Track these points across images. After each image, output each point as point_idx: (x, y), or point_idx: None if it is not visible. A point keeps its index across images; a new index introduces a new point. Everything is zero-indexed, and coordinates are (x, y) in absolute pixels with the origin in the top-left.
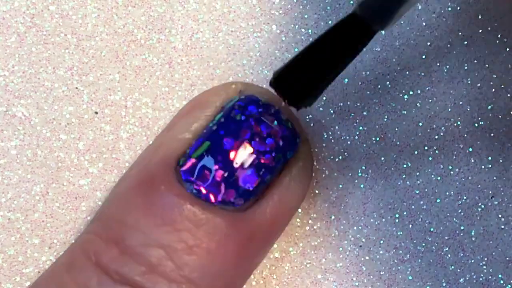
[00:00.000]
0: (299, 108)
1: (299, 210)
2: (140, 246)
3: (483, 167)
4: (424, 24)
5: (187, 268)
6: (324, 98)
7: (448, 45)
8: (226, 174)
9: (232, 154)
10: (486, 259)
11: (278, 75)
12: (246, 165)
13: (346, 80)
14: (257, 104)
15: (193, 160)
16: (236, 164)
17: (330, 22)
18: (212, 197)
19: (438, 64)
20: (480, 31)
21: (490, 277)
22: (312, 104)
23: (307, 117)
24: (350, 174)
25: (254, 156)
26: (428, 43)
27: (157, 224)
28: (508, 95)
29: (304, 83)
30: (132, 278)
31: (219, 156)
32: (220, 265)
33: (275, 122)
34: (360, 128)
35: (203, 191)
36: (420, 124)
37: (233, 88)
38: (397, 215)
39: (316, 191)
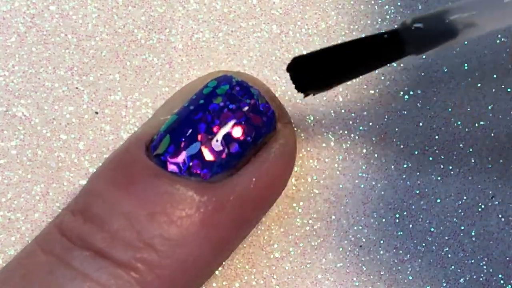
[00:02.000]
0: (307, 93)
1: (299, 210)
2: (103, 214)
3: (483, 167)
4: None
5: (147, 233)
6: (324, 98)
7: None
8: (192, 146)
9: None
10: (486, 259)
11: (299, 58)
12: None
13: None
14: (230, 81)
15: (161, 134)
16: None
17: (330, 22)
18: (177, 168)
19: (438, 64)
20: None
21: (490, 277)
22: (315, 93)
23: (307, 117)
24: (350, 174)
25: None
26: None
27: (121, 193)
28: (508, 95)
29: (320, 71)
30: (92, 243)
31: (187, 129)
32: (183, 232)
33: (246, 98)
34: (360, 128)
35: (169, 162)
36: (420, 124)
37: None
38: (397, 215)
39: (316, 191)
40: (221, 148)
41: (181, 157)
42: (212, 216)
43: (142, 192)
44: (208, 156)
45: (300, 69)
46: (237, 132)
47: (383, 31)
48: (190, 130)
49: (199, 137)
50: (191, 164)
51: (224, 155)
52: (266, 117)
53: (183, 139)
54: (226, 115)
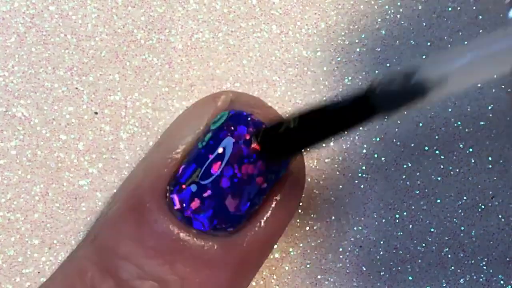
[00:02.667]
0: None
1: (299, 210)
2: (134, 279)
3: (483, 167)
4: (424, 24)
5: None
6: (324, 99)
7: (448, 45)
8: (216, 201)
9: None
10: (486, 259)
11: (267, 131)
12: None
13: (346, 80)
14: (247, 122)
15: (183, 187)
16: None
17: (330, 22)
18: (203, 225)
19: None
20: (480, 31)
21: (490, 277)
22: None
23: None
24: (350, 174)
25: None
26: (428, 43)
27: (149, 255)
28: (508, 95)
29: (288, 145)
30: None
31: (209, 183)
32: None
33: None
34: (360, 128)
35: (194, 219)
36: (420, 124)
37: (223, 99)
38: (397, 216)
39: (316, 191)
40: (245, 200)
41: (206, 213)
42: (238, 269)
43: (170, 254)
44: (232, 209)
45: (270, 139)
46: (259, 182)
47: (350, 96)
48: (214, 185)
49: (224, 192)
50: (216, 220)
51: (247, 207)
52: (285, 160)
53: (208, 195)
54: (249, 166)
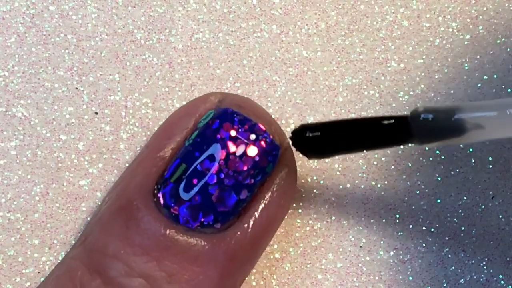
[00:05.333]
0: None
1: (299, 210)
2: (122, 277)
3: (483, 167)
4: (424, 24)
5: None
6: (325, 98)
7: (448, 45)
8: (202, 197)
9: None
10: (486, 259)
11: (306, 127)
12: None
13: (346, 80)
14: (232, 119)
15: (170, 184)
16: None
17: (330, 22)
18: (190, 222)
19: (438, 64)
20: (481, 31)
21: (490, 277)
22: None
23: (307, 117)
24: (350, 174)
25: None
26: (429, 43)
27: (137, 253)
28: (508, 95)
29: (323, 143)
30: None
31: (195, 179)
32: None
33: (252, 137)
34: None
35: (181, 215)
36: None
37: (211, 100)
38: (397, 216)
39: (316, 191)
40: (231, 196)
41: (194, 211)
42: (227, 266)
43: (158, 251)
44: (220, 206)
45: (306, 136)
46: (246, 178)
47: (391, 116)
48: (201, 181)
49: (211, 188)
50: (202, 216)
51: (233, 202)
52: (272, 156)
53: (195, 192)
54: (235, 162)
